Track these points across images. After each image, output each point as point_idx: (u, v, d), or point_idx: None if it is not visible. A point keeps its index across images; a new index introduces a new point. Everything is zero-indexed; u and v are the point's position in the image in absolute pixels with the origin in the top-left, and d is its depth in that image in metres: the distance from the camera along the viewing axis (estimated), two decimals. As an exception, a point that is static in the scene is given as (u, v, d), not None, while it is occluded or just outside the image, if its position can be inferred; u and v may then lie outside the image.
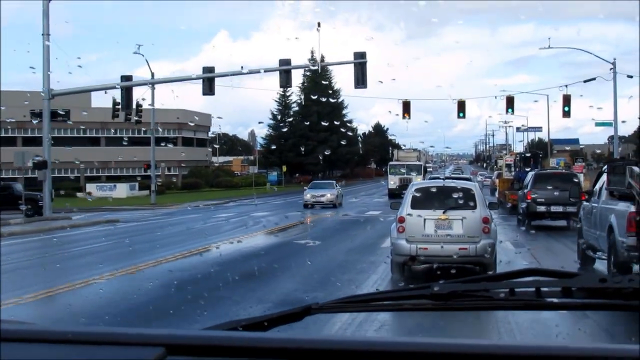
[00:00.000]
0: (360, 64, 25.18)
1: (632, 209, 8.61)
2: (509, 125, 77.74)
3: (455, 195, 10.44)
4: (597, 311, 1.75)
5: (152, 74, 36.18)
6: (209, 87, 25.90)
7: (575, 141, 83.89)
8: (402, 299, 1.70)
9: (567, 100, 31.19)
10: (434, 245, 10.11)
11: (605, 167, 10.74)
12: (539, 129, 68.66)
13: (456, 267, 10.14)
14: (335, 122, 73.48)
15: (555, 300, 1.63)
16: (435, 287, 1.61)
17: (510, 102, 31.68)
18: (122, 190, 48.78)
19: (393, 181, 42.51)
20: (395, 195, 40.25)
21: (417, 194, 10.61)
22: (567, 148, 77.21)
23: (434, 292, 1.60)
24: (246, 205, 35.98)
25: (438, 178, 16.86)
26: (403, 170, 43.08)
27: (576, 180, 20.70)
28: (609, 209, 9.84)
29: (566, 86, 32.25)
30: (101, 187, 52.57)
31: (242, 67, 26.72)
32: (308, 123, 71.09)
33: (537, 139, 75.04)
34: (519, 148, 68.83)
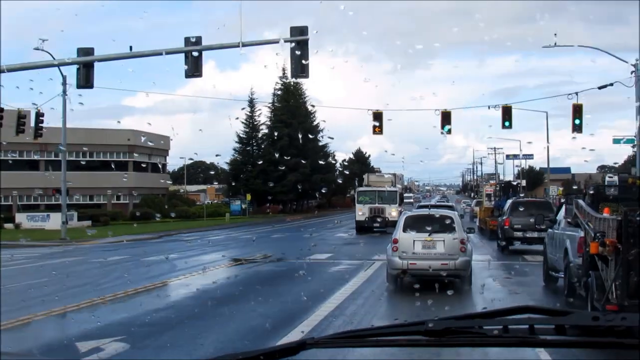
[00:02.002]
0: (298, 43, 20.41)
1: (582, 234, 12.17)
2: (498, 152, 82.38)
3: (438, 221, 14.64)
4: (589, 349, 2.01)
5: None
6: (85, 78, 21.79)
7: (567, 170, 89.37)
8: (397, 335, 1.94)
9: (577, 110, 28.42)
10: (421, 261, 14.21)
11: (564, 198, 14.50)
12: (530, 156, 73.28)
13: (447, 297, 13.07)
14: (308, 146, 72.51)
15: (548, 337, 1.86)
16: (430, 323, 1.84)
17: (507, 114, 29.68)
18: (56, 221, 45.47)
19: (362, 212, 39.55)
20: (365, 229, 37.53)
21: (408, 220, 15.08)
22: (563, 178, 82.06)
23: (429, 328, 1.83)
24: (175, 242, 32.81)
25: (426, 206, 21.67)
26: (374, 198, 39.75)
27: (551, 208, 24.58)
28: (565, 235, 13.48)
29: (576, 94, 28.74)
30: (32, 217, 51.66)
31: (130, 47, 22.63)
32: (277, 147, 70.62)
33: (527, 166, 79.44)
34: (509, 176, 73.69)
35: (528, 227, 24.18)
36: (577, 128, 28.34)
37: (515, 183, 40.76)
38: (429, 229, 14.61)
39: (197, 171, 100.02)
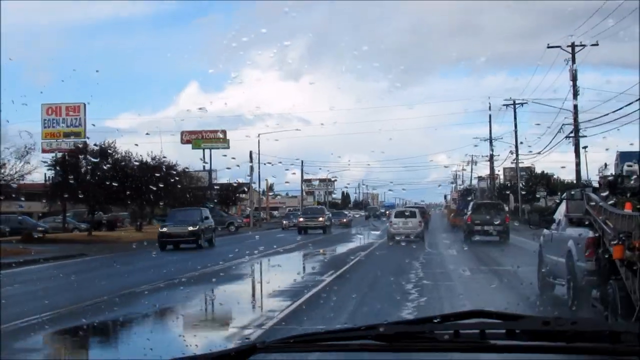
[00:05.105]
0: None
1: (591, 234, 11.61)
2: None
3: (409, 212, 38.36)
4: (540, 353, 2.16)
5: None
6: None
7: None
8: (349, 339, 2.10)
9: None
10: (401, 230, 36.48)
11: (565, 194, 13.98)
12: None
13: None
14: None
15: (499, 342, 2.03)
16: (381, 328, 1.99)
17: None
18: None
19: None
20: None
21: (396, 213, 39.12)
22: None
23: (380, 332, 1.98)
24: None
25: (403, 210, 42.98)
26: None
27: (502, 207, 39.92)
28: (567, 236, 12.94)
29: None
30: None
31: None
32: None
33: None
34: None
35: (485, 222, 35.73)
36: None
37: (470, 189, 63.19)
38: (405, 215, 37.43)
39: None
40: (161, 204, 53.07)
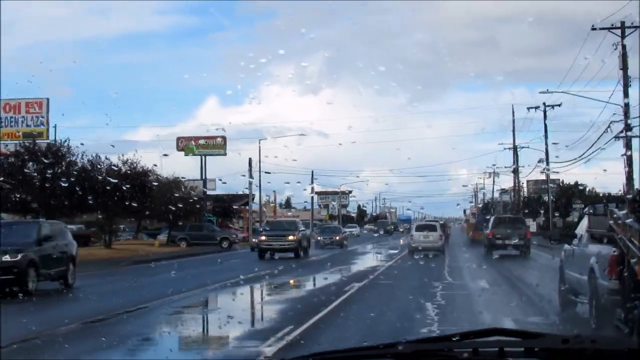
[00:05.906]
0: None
1: (614, 251, 11.30)
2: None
3: (429, 227, 41.68)
4: None
5: None
6: None
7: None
8: (368, 357, 2.12)
9: None
10: (422, 244, 38.81)
11: (587, 209, 13.72)
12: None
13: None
14: None
15: None
16: (400, 346, 2.01)
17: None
18: None
19: None
20: None
21: (417, 227, 42.49)
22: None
23: (399, 351, 2.00)
24: None
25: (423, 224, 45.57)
26: None
27: (523, 222, 40.73)
28: (590, 252, 12.68)
29: None
30: None
31: None
32: None
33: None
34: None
35: (506, 237, 36.60)
36: None
37: (490, 203, 73.27)
38: (425, 229, 40.66)
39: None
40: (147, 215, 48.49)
